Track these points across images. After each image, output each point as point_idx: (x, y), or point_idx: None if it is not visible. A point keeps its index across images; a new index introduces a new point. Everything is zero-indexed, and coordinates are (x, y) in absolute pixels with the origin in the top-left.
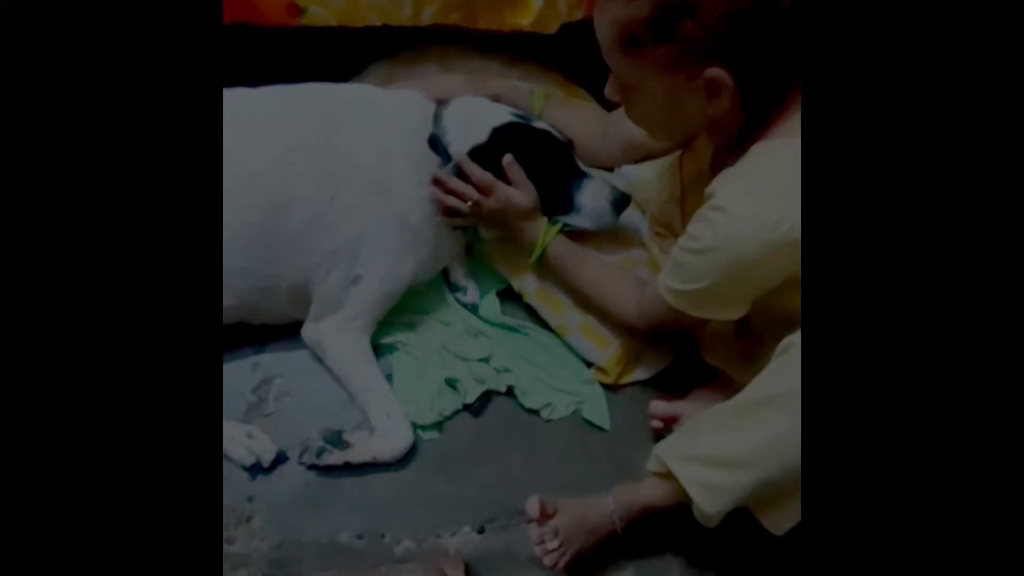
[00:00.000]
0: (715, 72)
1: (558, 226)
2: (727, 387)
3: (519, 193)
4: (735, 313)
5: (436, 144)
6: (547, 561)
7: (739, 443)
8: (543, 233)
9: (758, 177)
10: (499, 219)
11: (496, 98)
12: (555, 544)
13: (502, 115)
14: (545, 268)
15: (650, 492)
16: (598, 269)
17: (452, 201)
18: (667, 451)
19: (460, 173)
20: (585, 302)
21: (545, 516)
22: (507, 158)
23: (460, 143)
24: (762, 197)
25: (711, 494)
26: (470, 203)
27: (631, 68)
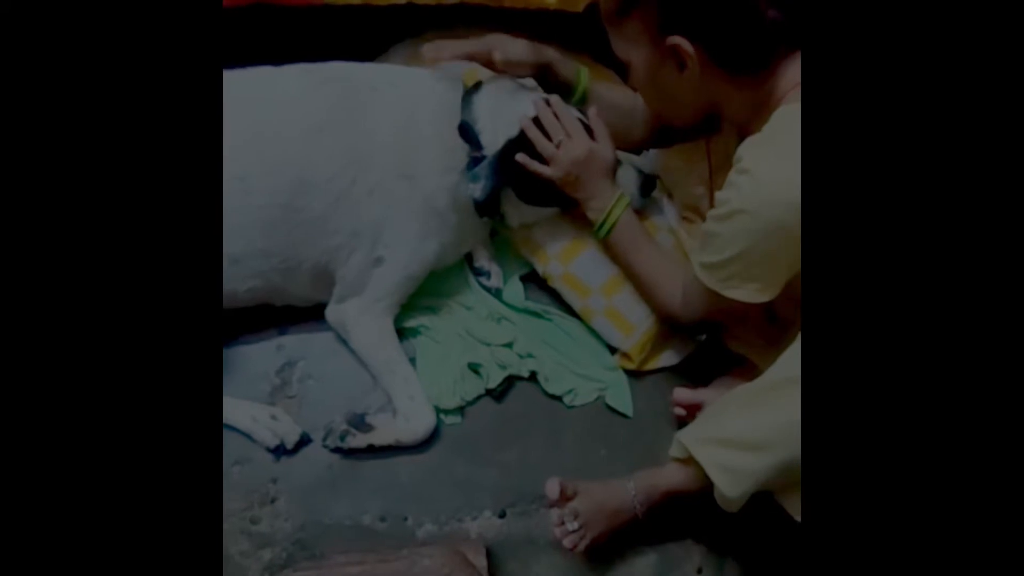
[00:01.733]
0: (674, 40)
1: (627, 199)
2: (751, 374)
3: (606, 146)
4: (766, 292)
5: (467, 131)
6: (567, 543)
7: (760, 425)
8: (614, 202)
9: (783, 141)
10: (577, 171)
11: (548, 66)
12: (575, 526)
13: (532, 102)
14: (606, 241)
15: (671, 477)
16: (658, 253)
17: (536, 135)
18: (688, 435)
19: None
20: (635, 283)
21: (565, 498)
22: (593, 109)
23: (491, 132)
24: (787, 160)
25: (732, 477)
26: (557, 141)
27: (617, 43)
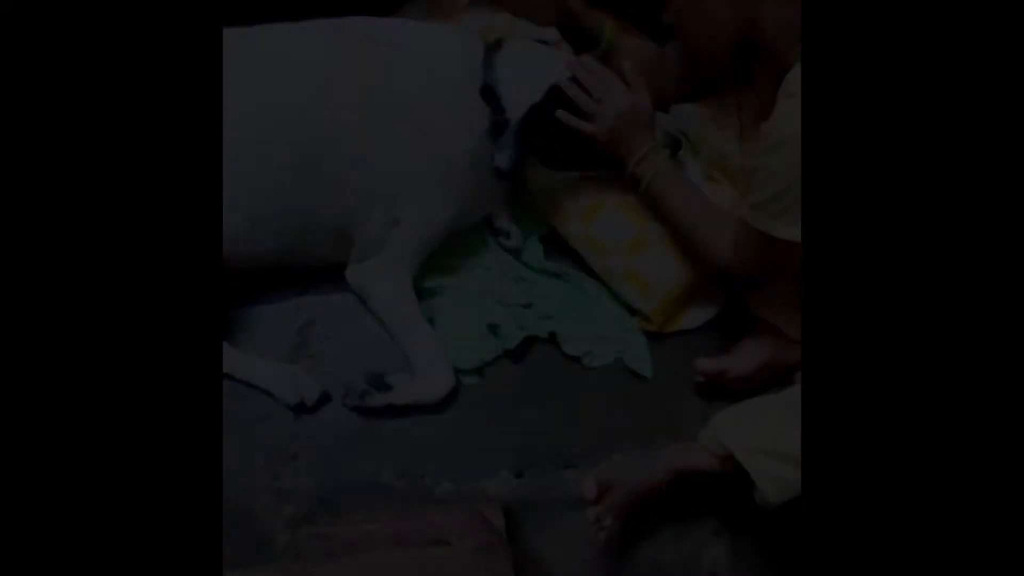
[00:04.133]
0: None
1: (666, 150)
2: (773, 336)
3: (645, 98)
4: None
5: (489, 94)
6: (602, 537)
7: None
8: (657, 153)
9: None
10: (622, 124)
11: (573, 16)
12: (610, 522)
13: (556, 65)
14: (651, 194)
15: (703, 460)
16: (708, 202)
17: (576, 92)
18: (733, 440)
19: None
20: (685, 237)
21: (601, 493)
22: (629, 63)
23: (513, 94)
24: None
25: (780, 487)
26: (599, 97)
27: None
